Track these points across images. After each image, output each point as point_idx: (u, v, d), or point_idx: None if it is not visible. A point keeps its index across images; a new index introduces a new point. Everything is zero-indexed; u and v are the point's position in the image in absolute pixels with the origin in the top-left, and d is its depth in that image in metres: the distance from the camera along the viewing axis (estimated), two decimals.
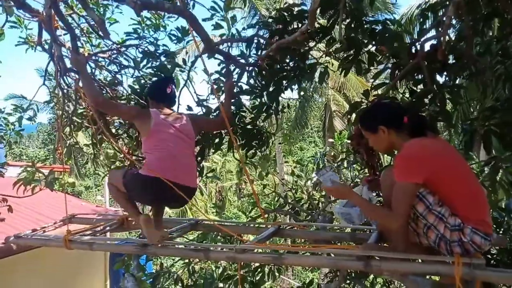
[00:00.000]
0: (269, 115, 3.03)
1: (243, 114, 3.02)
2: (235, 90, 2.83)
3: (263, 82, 2.89)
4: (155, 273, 3.53)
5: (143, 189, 2.24)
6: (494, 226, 2.50)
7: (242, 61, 2.83)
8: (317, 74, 3.01)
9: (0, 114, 3.26)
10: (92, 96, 2.31)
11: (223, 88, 2.77)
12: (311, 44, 2.80)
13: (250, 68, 2.86)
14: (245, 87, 2.94)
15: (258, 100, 2.98)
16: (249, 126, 3.02)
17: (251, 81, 2.92)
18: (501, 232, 2.48)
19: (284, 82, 2.88)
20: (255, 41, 2.81)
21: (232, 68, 2.84)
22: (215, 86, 2.81)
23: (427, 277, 1.88)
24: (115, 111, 2.46)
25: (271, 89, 2.89)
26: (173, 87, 2.44)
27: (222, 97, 2.70)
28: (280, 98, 3.01)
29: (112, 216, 3.33)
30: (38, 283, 5.74)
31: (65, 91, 2.91)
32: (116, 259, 3.44)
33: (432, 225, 1.71)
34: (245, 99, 3.08)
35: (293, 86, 2.96)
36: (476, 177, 2.39)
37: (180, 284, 3.47)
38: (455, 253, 1.69)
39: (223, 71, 2.85)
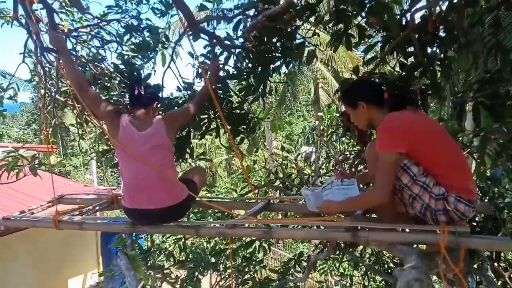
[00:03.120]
0: (256, 98, 2.98)
1: (230, 99, 2.96)
2: (221, 74, 2.76)
3: (250, 65, 2.82)
4: (147, 249, 3.57)
5: (128, 217, 2.36)
6: (480, 194, 2.57)
7: (228, 43, 2.75)
8: (305, 55, 2.95)
9: None
10: (75, 81, 2.28)
11: (209, 71, 2.68)
12: (299, 23, 2.73)
13: (237, 50, 2.78)
14: (231, 70, 2.87)
15: (245, 83, 2.91)
16: (236, 111, 2.96)
17: (238, 64, 2.85)
18: (486, 200, 2.55)
19: (272, 64, 2.81)
20: (242, 21, 2.73)
21: (218, 51, 2.77)
22: (203, 69, 2.71)
23: (414, 246, 1.93)
24: (93, 106, 2.34)
25: (258, 71, 2.82)
26: (140, 88, 2.29)
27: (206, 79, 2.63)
28: (267, 81, 2.96)
29: (99, 195, 3.31)
30: (31, 264, 5.78)
31: (46, 69, 2.80)
32: (110, 237, 3.45)
33: (417, 196, 1.75)
34: (231, 83, 3.01)
35: (280, 68, 2.89)
36: (461, 147, 2.43)
37: (172, 260, 3.52)
38: (440, 221, 1.74)
39: (208, 54, 2.77)
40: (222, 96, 2.87)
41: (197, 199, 2.39)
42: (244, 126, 2.97)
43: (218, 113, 2.70)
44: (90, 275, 6.95)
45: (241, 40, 2.75)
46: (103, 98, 2.48)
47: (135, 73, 2.95)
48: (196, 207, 3.02)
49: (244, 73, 2.85)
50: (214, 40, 2.70)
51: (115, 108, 2.40)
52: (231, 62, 2.83)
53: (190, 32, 2.61)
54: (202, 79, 2.75)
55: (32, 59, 3.00)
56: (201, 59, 2.77)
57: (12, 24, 2.77)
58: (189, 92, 2.93)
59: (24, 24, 2.61)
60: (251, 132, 3.01)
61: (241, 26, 2.74)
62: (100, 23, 2.91)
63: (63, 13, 2.89)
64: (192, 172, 2.56)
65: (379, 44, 2.50)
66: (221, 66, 2.75)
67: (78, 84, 2.28)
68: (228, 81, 2.92)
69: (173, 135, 2.40)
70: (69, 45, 2.90)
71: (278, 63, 2.81)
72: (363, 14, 2.41)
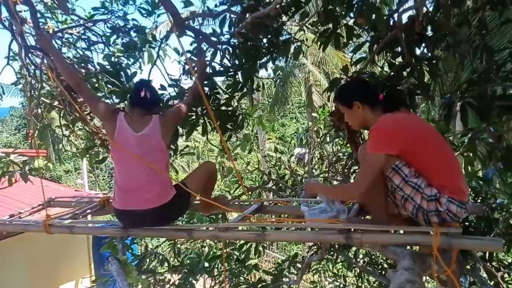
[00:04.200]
0: (244, 94, 2.96)
1: (218, 96, 2.94)
2: (208, 71, 2.74)
3: (236, 61, 2.81)
4: (141, 254, 3.53)
5: (117, 219, 2.32)
6: (472, 195, 2.58)
7: (214, 39, 2.73)
8: (292, 51, 2.95)
9: None
10: (71, 80, 2.28)
11: (195, 68, 2.67)
12: (285, 19, 2.73)
13: (223, 47, 2.76)
14: (218, 67, 2.85)
15: (232, 79, 2.90)
16: (223, 108, 2.94)
17: (225, 60, 2.84)
18: (479, 200, 2.55)
19: (259, 60, 2.81)
20: (227, 18, 2.72)
21: (205, 48, 2.75)
22: (190, 65, 2.70)
23: (407, 247, 1.93)
24: (91, 105, 2.34)
25: (245, 67, 2.81)
26: (148, 90, 2.29)
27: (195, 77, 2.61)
28: (255, 77, 2.94)
29: (90, 199, 3.26)
30: (23, 270, 5.69)
31: (31, 70, 2.76)
32: (101, 242, 3.40)
33: (409, 197, 1.75)
34: (219, 80, 3.00)
35: (268, 65, 2.89)
36: (452, 148, 2.44)
37: (166, 265, 3.48)
38: (432, 222, 1.73)
39: (195, 51, 2.75)
40: (209, 93, 2.85)
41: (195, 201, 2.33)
42: (232, 123, 2.95)
43: (205, 110, 2.68)
44: (81, 280, 6.86)
45: (227, 36, 2.74)
46: (99, 96, 2.44)
47: (122, 73, 2.92)
48: (190, 210, 2.97)
49: (231, 70, 2.83)
50: (200, 37, 2.67)
51: (112, 107, 2.37)
52: (218, 58, 2.82)
53: (176, 30, 2.59)
54: (189, 76, 2.73)
55: (17, 61, 2.95)
56: (188, 55, 2.75)
57: None
58: (175, 89, 2.90)
59: (8, 26, 2.56)
60: (239, 128, 2.99)
61: (227, 23, 2.72)
62: (86, 24, 2.87)
63: (48, 16, 2.84)
64: (196, 172, 2.50)
65: (368, 44, 2.51)
66: (207, 62, 2.72)
67: (74, 83, 2.28)
68: (215, 78, 2.90)
69: (169, 136, 2.38)
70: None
71: (265, 59, 2.81)
72: (351, 14, 2.42)
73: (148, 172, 2.15)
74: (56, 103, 2.91)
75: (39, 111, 2.97)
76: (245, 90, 2.87)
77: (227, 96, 2.94)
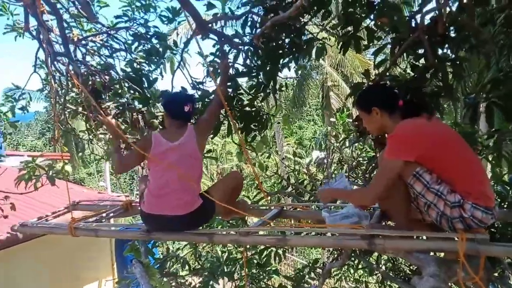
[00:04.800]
0: (267, 95, 2.98)
1: (241, 96, 2.96)
2: (231, 72, 2.77)
3: (259, 62, 2.82)
4: (163, 257, 3.57)
5: (144, 222, 2.37)
6: (499, 200, 2.50)
7: (237, 41, 2.75)
8: (314, 51, 2.94)
9: None
10: (117, 166, 2.44)
11: (219, 70, 2.70)
12: (306, 18, 2.72)
13: (246, 48, 2.78)
14: (241, 68, 2.87)
15: (255, 80, 2.91)
16: (247, 108, 2.96)
17: (247, 61, 2.85)
18: (505, 206, 2.47)
19: (281, 60, 2.82)
20: (249, 19, 2.73)
21: (227, 49, 2.77)
22: (211, 69, 2.74)
23: (431, 253, 1.89)
24: (135, 163, 2.46)
25: (267, 68, 2.82)
26: (192, 106, 2.37)
27: (218, 80, 2.64)
28: (277, 77, 2.95)
29: (113, 202, 3.33)
30: (46, 270, 5.84)
31: (56, 77, 2.85)
32: (124, 244, 3.47)
33: (432, 203, 1.72)
34: (242, 81, 3.02)
35: (290, 64, 2.89)
36: (476, 151, 2.38)
37: (187, 268, 3.51)
38: (457, 228, 1.69)
39: (217, 53, 2.78)
40: (232, 94, 2.87)
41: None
42: (256, 123, 2.96)
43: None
44: (104, 282, 6.99)
45: (249, 37, 2.75)
46: (132, 146, 2.47)
47: (144, 79, 2.99)
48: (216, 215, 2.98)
49: (254, 70, 2.85)
50: (223, 39, 2.70)
51: (143, 143, 2.40)
52: (240, 60, 2.84)
53: (199, 33, 2.62)
54: (212, 78, 2.76)
55: (44, 69, 3.06)
56: (210, 58, 2.80)
57: (23, 35, 2.83)
58: (198, 92, 2.94)
59: (35, 34, 2.66)
60: (262, 129, 3.00)
61: (249, 24, 2.74)
62: (109, 32, 2.95)
63: (73, 25, 2.93)
64: (223, 182, 2.55)
65: (389, 46, 2.47)
66: (230, 64, 2.76)
67: (120, 167, 2.43)
68: (238, 79, 2.92)
69: (204, 143, 2.44)
70: (79, 55, 2.95)
71: (287, 59, 2.81)
72: (372, 16, 2.39)
73: (179, 180, 2.20)
74: (80, 109, 2.99)
75: (64, 116, 3.06)
76: (267, 90, 2.89)
77: (250, 96, 2.96)
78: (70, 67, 2.67)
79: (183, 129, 2.32)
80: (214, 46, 2.80)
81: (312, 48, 2.79)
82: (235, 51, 2.80)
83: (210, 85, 2.95)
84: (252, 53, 2.80)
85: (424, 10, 2.29)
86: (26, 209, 5.08)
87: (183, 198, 2.21)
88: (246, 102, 2.96)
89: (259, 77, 2.87)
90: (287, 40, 2.76)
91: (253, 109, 2.97)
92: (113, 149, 2.54)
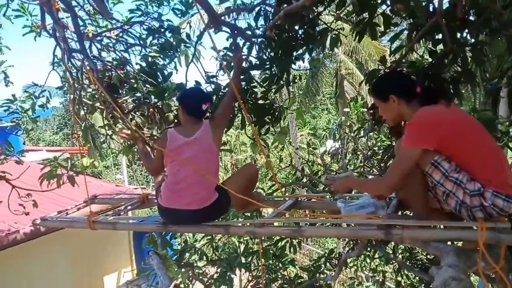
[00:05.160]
0: (280, 87, 2.95)
1: (254, 90, 2.95)
2: (244, 65, 2.75)
3: (272, 54, 2.79)
4: (181, 249, 3.63)
5: (161, 215, 2.40)
6: None
7: (249, 33, 2.73)
8: (328, 41, 2.89)
9: (16, 102, 3.28)
10: (148, 169, 2.57)
11: (232, 63, 2.69)
12: (320, 8, 2.67)
13: (259, 40, 2.76)
14: (254, 61, 2.85)
15: (269, 72, 2.89)
16: (260, 101, 2.94)
17: (260, 54, 2.83)
18: None
19: (294, 52, 2.78)
20: (262, 10, 2.70)
21: (240, 42, 2.76)
22: (224, 63, 2.73)
23: (449, 243, 1.86)
24: (160, 164, 2.47)
25: (281, 60, 2.79)
26: (209, 105, 2.39)
27: (232, 73, 2.64)
28: (291, 69, 2.92)
29: (130, 195, 3.39)
30: (69, 262, 6.02)
31: (73, 74, 2.89)
32: (142, 235, 3.54)
33: (451, 192, 1.69)
34: (255, 74, 3.00)
35: (304, 56, 2.85)
36: (496, 137, 2.31)
37: (204, 259, 3.56)
38: (477, 217, 1.66)
39: (231, 46, 2.76)
40: (246, 87, 2.86)
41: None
42: (269, 116, 2.95)
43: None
44: (123, 273, 7.16)
45: (262, 29, 2.73)
46: (153, 145, 2.59)
47: (159, 73, 3.01)
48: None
49: (267, 63, 2.82)
50: (236, 32, 2.68)
51: (162, 135, 2.46)
52: (254, 52, 2.81)
53: (211, 26, 2.61)
54: (225, 71, 2.75)
55: (61, 67, 3.11)
56: (224, 51, 2.78)
57: (40, 34, 2.87)
58: (212, 86, 2.94)
59: (52, 33, 2.70)
60: (276, 122, 2.99)
61: (262, 16, 2.71)
62: (123, 27, 2.96)
63: (88, 22, 2.96)
64: (239, 175, 2.57)
65: (405, 32, 2.41)
66: (244, 57, 2.74)
67: (150, 170, 2.54)
68: (252, 72, 2.90)
69: (220, 137, 2.45)
70: (95, 51, 2.99)
71: (300, 51, 2.77)
72: (388, 2, 2.33)
73: (196, 174, 2.22)
74: (98, 104, 3.04)
75: (82, 112, 3.12)
76: (281, 82, 2.86)
77: (263, 89, 2.94)
78: (86, 63, 2.70)
79: (198, 124, 2.34)
80: (227, 39, 2.79)
81: (326, 39, 2.75)
82: (248, 43, 2.78)
83: (223, 79, 2.95)
84: (265, 45, 2.77)
85: None
86: (47, 204, 5.23)
87: (200, 193, 2.23)
88: (259, 95, 2.94)
89: (273, 69, 2.85)
90: (300, 31, 2.72)
91: (267, 102, 2.95)
92: (142, 155, 2.61)
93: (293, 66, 2.88)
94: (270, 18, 2.69)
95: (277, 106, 2.98)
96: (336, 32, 2.79)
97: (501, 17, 2.16)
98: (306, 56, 2.87)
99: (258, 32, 2.74)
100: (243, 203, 2.38)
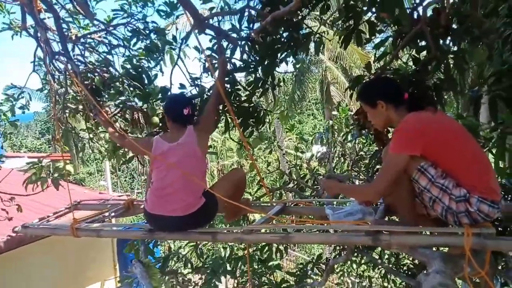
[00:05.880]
0: (265, 91, 2.95)
1: (238, 92, 2.93)
2: (228, 67, 2.74)
3: (257, 57, 2.79)
4: (164, 256, 3.56)
5: (147, 221, 2.37)
6: (503, 193, 2.48)
7: (234, 35, 2.72)
8: (312, 45, 2.91)
9: None
10: (117, 140, 2.60)
11: (216, 65, 2.67)
12: (305, 12, 2.68)
13: (243, 42, 2.75)
14: (238, 63, 2.84)
15: (253, 75, 2.88)
16: (245, 104, 2.93)
17: (245, 56, 2.82)
18: (509, 199, 2.45)
19: (279, 55, 2.78)
20: (246, 13, 2.69)
21: (224, 44, 2.75)
22: (209, 63, 2.70)
23: (435, 249, 1.87)
24: (136, 150, 2.53)
25: (265, 63, 2.79)
26: (191, 109, 2.37)
27: (216, 74, 2.62)
28: (275, 73, 2.92)
29: (116, 201, 3.31)
30: (50, 271, 5.84)
31: (56, 76, 2.82)
32: (125, 243, 3.46)
33: (437, 198, 1.70)
34: (240, 76, 2.99)
35: (288, 59, 2.86)
36: (481, 144, 2.35)
37: (189, 266, 3.50)
38: (463, 223, 1.67)
39: (215, 47, 2.75)
40: (230, 89, 2.84)
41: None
42: (253, 119, 2.94)
43: (227, 107, 2.69)
44: (106, 282, 6.99)
45: (246, 32, 2.73)
46: (132, 137, 2.63)
47: (144, 75, 2.97)
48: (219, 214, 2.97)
49: (252, 66, 2.82)
50: (220, 34, 2.67)
51: (147, 138, 2.49)
52: (238, 54, 2.81)
53: (196, 29, 2.60)
54: (210, 73, 2.73)
55: (42, 68, 3.03)
56: (208, 53, 2.76)
57: (21, 34, 2.80)
58: (197, 88, 2.92)
59: (33, 33, 2.63)
60: (259, 125, 2.98)
61: (245, 18, 2.70)
62: (107, 28, 2.91)
63: (70, 21, 2.90)
64: (226, 180, 2.53)
65: (390, 39, 2.44)
66: (228, 59, 2.73)
67: (121, 141, 2.57)
68: (236, 75, 2.90)
69: (206, 141, 2.43)
70: (77, 52, 2.93)
71: (285, 53, 2.77)
72: (373, 9, 2.36)
73: (182, 180, 2.19)
74: (80, 107, 2.97)
75: (64, 115, 3.04)
76: (266, 86, 2.85)
77: (247, 93, 2.93)
78: (69, 66, 2.64)
79: (182, 130, 2.32)
80: (211, 41, 2.77)
81: (310, 42, 2.76)
82: (232, 46, 2.77)
83: (207, 81, 2.92)
84: (249, 48, 2.77)
85: (426, 1, 2.26)
86: (26, 211, 5.07)
87: (186, 199, 2.19)
88: (244, 98, 2.93)
89: (257, 72, 2.84)
90: (285, 35, 2.73)
91: (251, 105, 2.94)
92: (106, 125, 2.61)
93: (278, 69, 2.88)
94: (254, 20, 2.68)
95: (261, 109, 2.97)
96: (320, 36, 2.80)
97: (483, 25, 2.21)
98: (291, 59, 2.87)
99: (242, 34, 2.73)
100: (232, 210, 2.34)
